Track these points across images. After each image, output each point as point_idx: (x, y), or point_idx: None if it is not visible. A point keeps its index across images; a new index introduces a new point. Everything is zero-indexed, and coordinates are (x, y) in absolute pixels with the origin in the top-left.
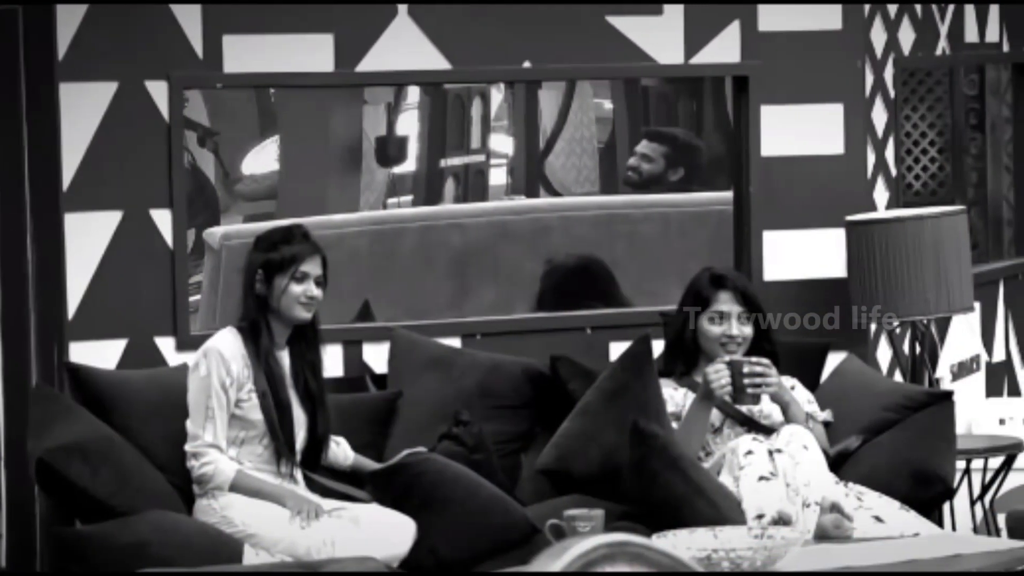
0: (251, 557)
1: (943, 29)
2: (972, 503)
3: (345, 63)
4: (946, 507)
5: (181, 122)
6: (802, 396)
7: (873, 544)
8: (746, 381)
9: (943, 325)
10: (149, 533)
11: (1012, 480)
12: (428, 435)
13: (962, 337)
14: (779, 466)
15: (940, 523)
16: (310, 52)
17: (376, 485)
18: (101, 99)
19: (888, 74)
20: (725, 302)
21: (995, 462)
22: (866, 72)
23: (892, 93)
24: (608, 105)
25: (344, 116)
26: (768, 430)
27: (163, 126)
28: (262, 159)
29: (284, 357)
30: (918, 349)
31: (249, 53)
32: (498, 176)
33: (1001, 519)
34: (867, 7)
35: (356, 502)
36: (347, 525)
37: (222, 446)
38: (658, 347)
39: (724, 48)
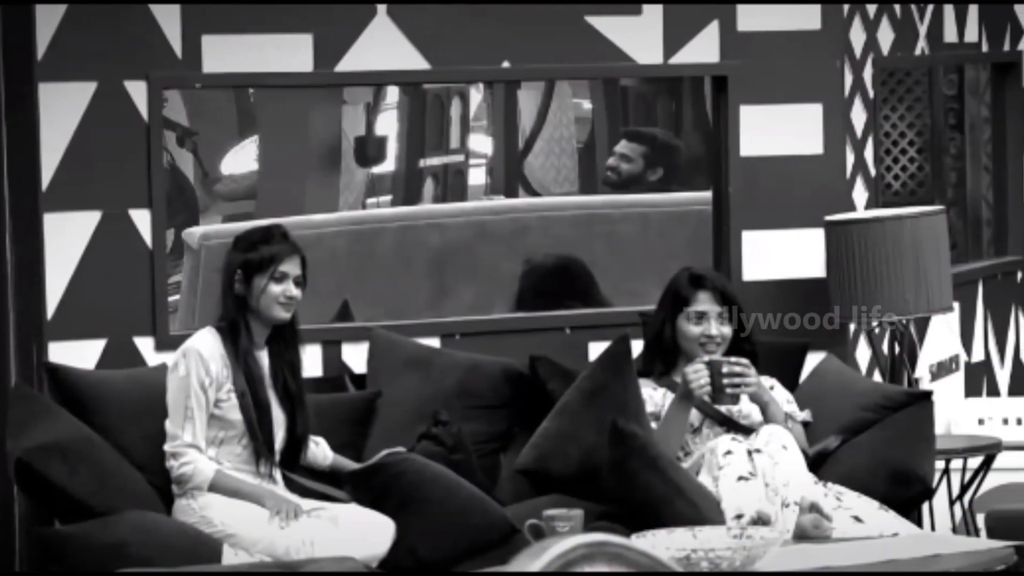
0: (230, 557)
1: (922, 29)
2: (951, 503)
3: (324, 63)
4: (925, 507)
5: (160, 122)
6: (781, 396)
7: (852, 544)
8: (725, 381)
9: (922, 325)
10: (128, 533)
11: (991, 480)
12: (407, 435)
13: (941, 337)
14: (758, 466)
15: (919, 523)
16: (289, 52)
17: (355, 485)
18: (80, 99)
19: (867, 74)
20: (704, 302)
21: (974, 462)
22: (845, 72)
23: (871, 93)
24: (587, 105)
25: (323, 116)
26: (747, 430)
27: (142, 126)
28: (241, 159)
29: (263, 357)
30: (897, 349)
31: (228, 53)
32: (477, 176)
33: (980, 519)
34: (846, 7)
35: (335, 502)
36: (326, 525)
37: (201, 446)
38: (637, 347)
39: (703, 48)
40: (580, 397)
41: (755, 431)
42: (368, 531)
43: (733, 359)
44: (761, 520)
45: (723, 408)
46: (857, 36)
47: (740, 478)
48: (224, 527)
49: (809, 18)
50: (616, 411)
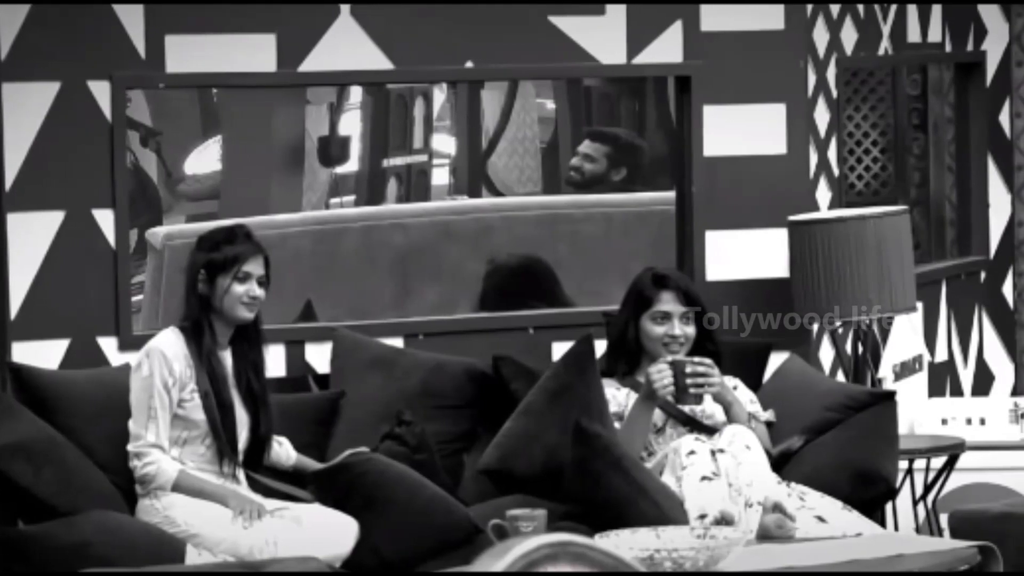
0: (193, 557)
1: (885, 29)
2: (914, 503)
3: (288, 63)
4: (888, 507)
5: (123, 122)
6: (744, 396)
7: (816, 544)
8: (688, 381)
9: (886, 325)
10: (92, 533)
11: (954, 480)
12: (370, 435)
13: (905, 337)
14: (721, 466)
15: (883, 523)
16: (253, 52)
17: (318, 485)
18: (44, 99)
19: (830, 74)
20: (668, 302)
21: (937, 462)
22: (808, 72)
23: (834, 93)
24: (550, 105)
25: (287, 116)
26: (710, 430)
27: (105, 126)
28: (205, 159)
29: (227, 357)
30: (860, 349)
31: (192, 53)
32: (441, 176)
33: (944, 519)
34: (809, 7)
35: (298, 502)
36: (289, 525)
37: (164, 446)
38: (600, 347)
39: (666, 48)
40: (544, 397)
41: (718, 431)
42: (331, 531)
43: (696, 359)
44: (724, 520)
45: (686, 408)
46: (820, 36)
47: (703, 478)
48: (187, 527)
49: (772, 18)
50: (580, 411)
